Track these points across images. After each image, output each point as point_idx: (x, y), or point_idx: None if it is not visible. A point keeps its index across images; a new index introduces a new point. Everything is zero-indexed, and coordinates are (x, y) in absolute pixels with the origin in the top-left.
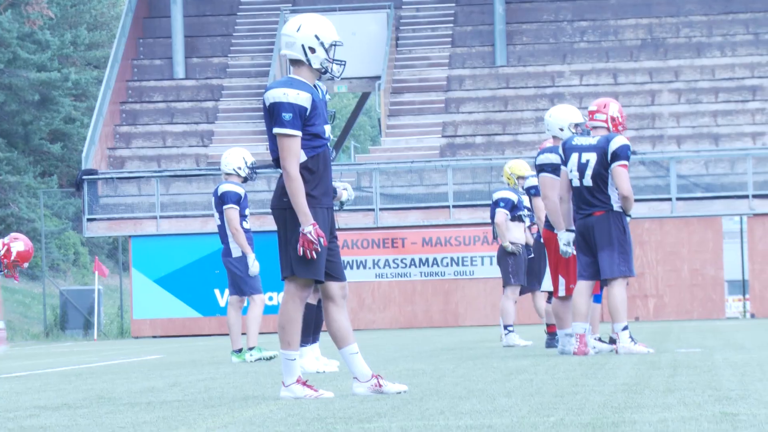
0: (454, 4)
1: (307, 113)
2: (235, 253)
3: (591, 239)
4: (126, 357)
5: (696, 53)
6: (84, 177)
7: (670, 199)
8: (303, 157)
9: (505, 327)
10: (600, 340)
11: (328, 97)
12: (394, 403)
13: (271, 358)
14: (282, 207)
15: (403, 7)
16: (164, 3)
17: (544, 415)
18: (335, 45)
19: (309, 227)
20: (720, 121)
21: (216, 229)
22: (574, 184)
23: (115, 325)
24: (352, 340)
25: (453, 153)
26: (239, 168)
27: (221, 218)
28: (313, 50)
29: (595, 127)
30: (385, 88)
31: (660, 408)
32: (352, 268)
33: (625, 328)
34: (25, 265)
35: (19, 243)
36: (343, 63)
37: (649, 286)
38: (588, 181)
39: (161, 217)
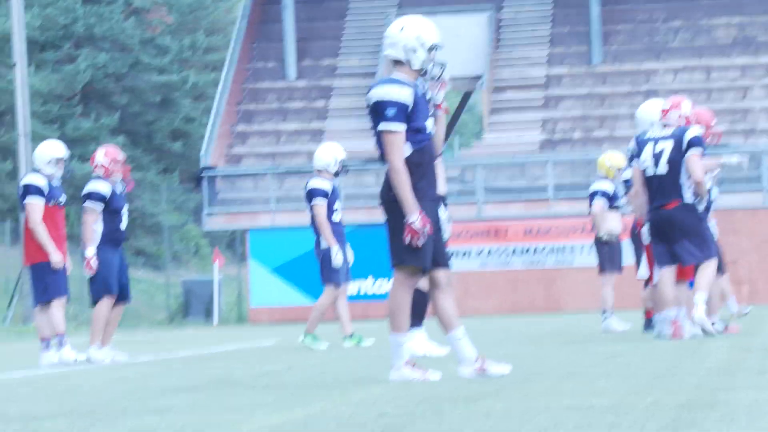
0: (552, 6)
1: (409, 109)
2: (324, 245)
3: (667, 229)
4: (244, 342)
5: None
6: (203, 173)
7: (761, 190)
8: (408, 151)
9: (603, 312)
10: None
11: (441, 95)
12: (498, 384)
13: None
14: (390, 199)
15: (503, 9)
16: (276, 9)
17: (641, 396)
18: (436, 47)
19: (415, 217)
20: None
21: None
22: (648, 174)
23: (233, 313)
24: (457, 324)
25: (552, 148)
26: (329, 164)
27: (311, 212)
28: (414, 51)
29: (667, 125)
30: (487, 87)
31: (753, 389)
32: (456, 257)
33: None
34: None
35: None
36: (444, 65)
37: (742, 273)
38: (663, 169)
39: (276, 210)
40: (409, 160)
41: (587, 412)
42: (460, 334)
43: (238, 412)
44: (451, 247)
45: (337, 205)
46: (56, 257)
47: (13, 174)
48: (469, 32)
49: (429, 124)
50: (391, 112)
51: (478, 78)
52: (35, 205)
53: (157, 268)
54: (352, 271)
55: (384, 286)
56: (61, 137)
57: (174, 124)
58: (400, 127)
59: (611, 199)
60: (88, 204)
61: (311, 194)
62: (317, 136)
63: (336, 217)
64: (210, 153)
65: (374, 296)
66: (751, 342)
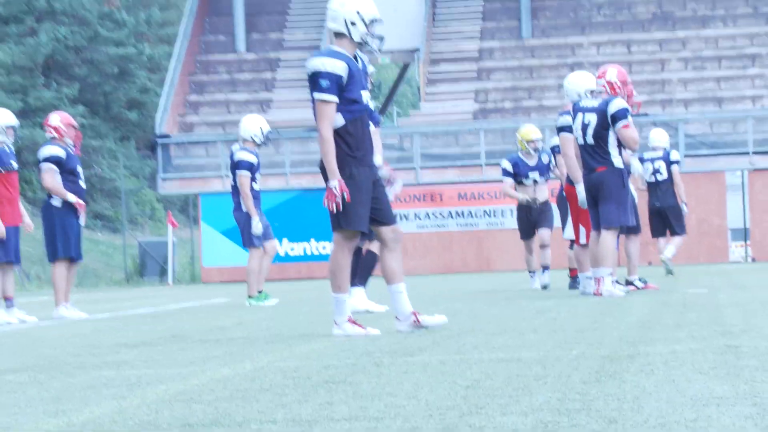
0: None
1: (344, 81)
2: (243, 210)
3: (595, 193)
4: (197, 301)
5: (701, 25)
6: (158, 141)
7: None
8: (342, 121)
9: (529, 272)
10: (617, 282)
11: (370, 68)
12: (434, 339)
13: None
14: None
15: None
16: None
17: (567, 349)
18: (375, 21)
19: (334, 182)
20: (723, 86)
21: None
22: (579, 143)
23: (187, 273)
24: (398, 279)
25: (485, 117)
26: (255, 135)
27: (234, 180)
28: (354, 24)
29: (598, 92)
30: (423, 60)
31: (670, 341)
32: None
33: (610, 273)
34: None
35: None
36: (382, 38)
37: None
38: (590, 140)
39: (226, 176)
40: (343, 130)
41: (517, 364)
42: (399, 289)
43: (190, 365)
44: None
45: (258, 175)
46: (0, 227)
47: None
48: (406, 7)
49: (365, 95)
50: (324, 83)
51: (415, 51)
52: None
53: (115, 231)
54: (297, 233)
55: (327, 247)
56: (24, 107)
57: (130, 94)
58: (332, 98)
59: (516, 176)
60: (44, 165)
61: (237, 165)
62: (265, 105)
63: (256, 186)
64: (164, 122)
65: (317, 257)
66: (668, 298)
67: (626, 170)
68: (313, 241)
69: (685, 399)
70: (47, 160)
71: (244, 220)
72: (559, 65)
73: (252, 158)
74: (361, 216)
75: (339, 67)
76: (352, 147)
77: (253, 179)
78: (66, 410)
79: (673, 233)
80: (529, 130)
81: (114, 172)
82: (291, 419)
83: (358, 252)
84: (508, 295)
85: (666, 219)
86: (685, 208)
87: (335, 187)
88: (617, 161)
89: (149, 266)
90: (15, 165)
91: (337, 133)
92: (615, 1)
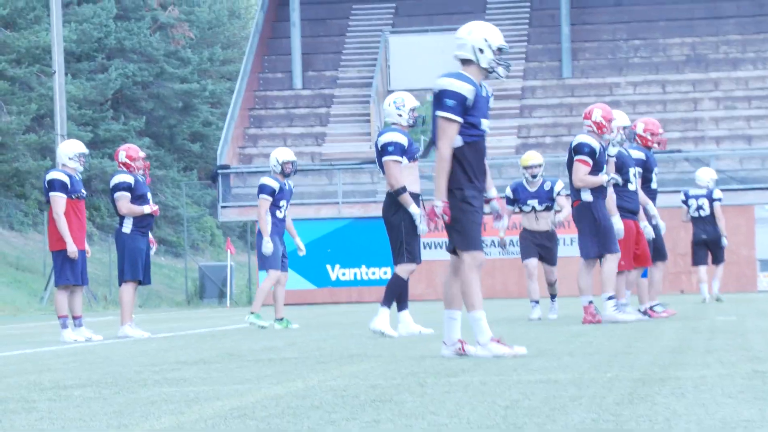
0: (527, 26)
1: (469, 103)
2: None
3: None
4: None
5: (732, 67)
6: (219, 171)
7: None
8: (460, 143)
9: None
10: (644, 312)
11: (492, 99)
12: (475, 361)
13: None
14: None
15: None
16: (285, 26)
17: (602, 372)
18: (502, 48)
19: (438, 201)
20: (753, 125)
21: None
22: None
23: (244, 295)
24: (457, 306)
25: (526, 151)
26: (274, 166)
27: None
28: (482, 51)
29: (588, 132)
30: None
31: (700, 366)
32: (441, 247)
33: (611, 298)
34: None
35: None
36: (509, 65)
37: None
38: (569, 174)
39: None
40: (460, 151)
41: (553, 386)
42: (456, 316)
43: (245, 383)
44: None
45: (282, 203)
46: (72, 248)
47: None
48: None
49: (485, 123)
50: (450, 102)
51: None
52: (58, 198)
53: (177, 255)
54: (348, 260)
55: (377, 273)
56: (94, 138)
57: (193, 127)
58: (456, 117)
59: (516, 200)
60: (117, 194)
61: (258, 190)
62: (319, 139)
63: (280, 213)
64: (225, 153)
65: (367, 281)
66: (699, 324)
67: (599, 202)
68: (363, 267)
69: (714, 421)
70: (118, 187)
71: (259, 244)
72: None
73: (272, 183)
74: (479, 236)
75: (466, 89)
76: (467, 170)
77: (277, 206)
78: (128, 424)
79: (715, 261)
80: (528, 156)
81: (177, 200)
82: None
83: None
84: (545, 320)
85: (710, 249)
86: (725, 241)
87: (438, 207)
88: (585, 195)
89: (209, 289)
90: (84, 192)
91: (455, 154)
92: (651, 44)
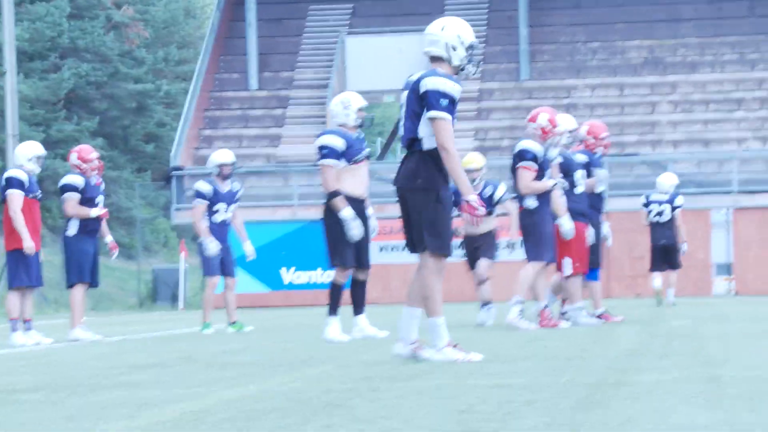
0: (485, 27)
1: (455, 102)
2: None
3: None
4: None
5: (690, 70)
6: (173, 173)
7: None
8: (435, 143)
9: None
10: (599, 316)
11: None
12: (431, 365)
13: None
14: (414, 188)
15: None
16: (241, 26)
17: (557, 376)
18: (473, 46)
19: (473, 196)
20: (710, 128)
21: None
22: None
23: (197, 298)
24: (419, 304)
25: (484, 153)
26: (212, 168)
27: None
28: (455, 49)
29: (532, 136)
30: None
31: (656, 371)
32: (396, 251)
33: (520, 302)
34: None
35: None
36: (479, 63)
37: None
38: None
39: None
40: (436, 152)
41: (508, 390)
42: (418, 314)
43: (198, 387)
44: (388, 241)
45: (219, 206)
46: (29, 243)
47: (3, 171)
48: (411, 49)
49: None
50: (444, 102)
51: None
52: (16, 196)
53: (130, 257)
54: (304, 262)
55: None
56: (46, 139)
57: (147, 128)
58: (449, 117)
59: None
60: (65, 194)
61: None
62: (275, 140)
63: (218, 217)
64: (179, 154)
65: (322, 285)
66: (656, 329)
67: (543, 209)
68: (319, 269)
69: (667, 427)
70: (65, 188)
71: (200, 250)
72: (555, 106)
73: (205, 187)
74: (450, 240)
75: (456, 90)
76: (443, 170)
77: (213, 210)
78: (79, 428)
79: (672, 267)
80: (469, 159)
81: (130, 201)
82: None
83: (355, 282)
84: (502, 324)
85: (668, 254)
86: (685, 247)
87: (475, 201)
88: (529, 202)
89: (162, 292)
90: (40, 193)
91: (431, 153)
92: (609, 46)
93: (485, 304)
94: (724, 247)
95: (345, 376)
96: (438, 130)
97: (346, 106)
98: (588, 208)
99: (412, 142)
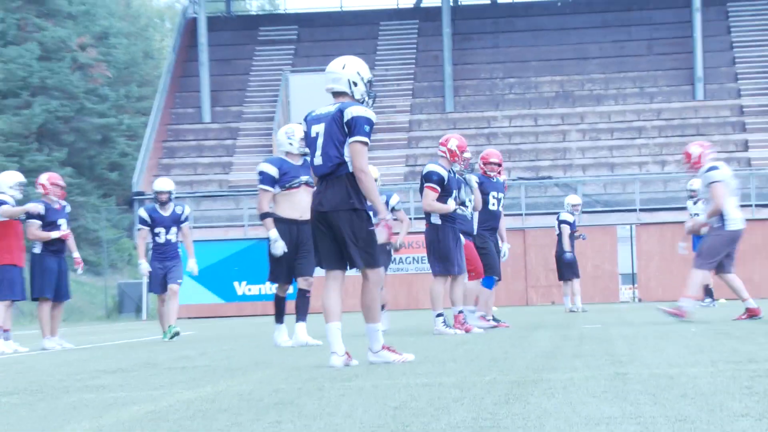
0: (414, 66)
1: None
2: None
3: None
4: None
5: (596, 102)
6: (135, 197)
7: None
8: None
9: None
10: (492, 319)
11: None
12: (368, 367)
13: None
14: (348, 208)
15: (375, 67)
16: (194, 65)
17: (481, 375)
18: (371, 81)
19: (389, 215)
20: (615, 154)
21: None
22: None
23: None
24: (339, 318)
25: (414, 178)
26: (156, 194)
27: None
28: (356, 84)
29: (441, 157)
30: None
31: (569, 369)
32: None
33: (440, 315)
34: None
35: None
36: (375, 97)
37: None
38: None
39: (194, 227)
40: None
41: (438, 388)
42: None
43: (159, 389)
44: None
45: (159, 230)
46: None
47: None
48: None
49: None
50: (367, 128)
51: None
52: (5, 218)
53: (98, 274)
54: (254, 277)
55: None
56: (20, 168)
57: (111, 158)
58: (368, 142)
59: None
60: (28, 221)
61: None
62: (227, 167)
63: (159, 239)
64: (141, 181)
65: (272, 296)
66: (569, 332)
67: (446, 226)
68: (268, 283)
69: (580, 419)
70: (28, 215)
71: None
72: (477, 134)
73: (143, 214)
74: (378, 254)
75: (374, 118)
76: (360, 193)
77: (155, 233)
78: (50, 428)
79: (575, 277)
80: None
81: (97, 224)
82: None
83: (302, 292)
84: (431, 330)
85: (571, 265)
86: (568, 256)
87: (391, 221)
88: (434, 219)
89: (126, 304)
90: (24, 216)
91: (354, 177)
92: (524, 82)
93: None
94: (629, 259)
95: (293, 378)
96: (359, 154)
97: (289, 136)
98: (497, 223)
99: (338, 167)
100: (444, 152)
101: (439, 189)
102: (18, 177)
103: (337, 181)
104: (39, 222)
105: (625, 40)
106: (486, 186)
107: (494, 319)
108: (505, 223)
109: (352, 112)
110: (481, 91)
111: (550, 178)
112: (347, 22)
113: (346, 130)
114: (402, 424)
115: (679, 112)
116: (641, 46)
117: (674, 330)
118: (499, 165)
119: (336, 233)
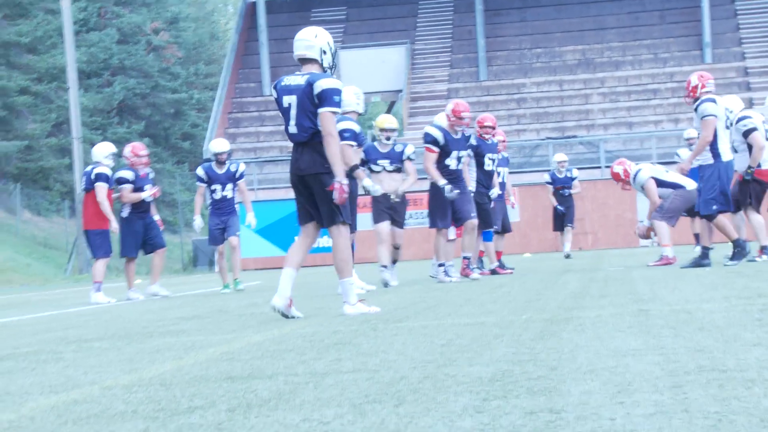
0: (451, 40)
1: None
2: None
3: None
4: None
5: (615, 68)
6: (205, 164)
7: (600, 167)
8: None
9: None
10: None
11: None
12: (416, 309)
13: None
14: (323, 171)
15: (416, 42)
16: (255, 45)
17: (518, 315)
18: (336, 52)
19: (345, 179)
20: (632, 113)
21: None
22: None
23: (230, 263)
24: (296, 267)
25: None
26: (213, 156)
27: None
28: (325, 53)
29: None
30: (405, 98)
31: (597, 308)
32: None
33: (441, 264)
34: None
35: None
36: (334, 67)
37: (588, 227)
38: None
39: (258, 188)
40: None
41: (480, 327)
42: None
43: (232, 333)
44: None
45: (216, 187)
46: (115, 225)
47: (70, 167)
48: (392, 59)
49: None
50: (337, 98)
51: (399, 92)
52: (102, 188)
53: (174, 232)
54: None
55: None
56: (103, 140)
57: (184, 128)
58: (338, 111)
59: (367, 160)
60: (120, 187)
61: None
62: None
63: (215, 196)
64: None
65: (327, 249)
66: (595, 275)
67: (442, 185)
68: (326, 237)
69: (608, 351)
70: (120, 181)
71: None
72: (508, 100)
73: (200, 172)
74: (352, 211)
75: (340, 86)
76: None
77: (212, 189)
78: (137, 368)
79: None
80: (385, 119)
81: (173, 188)
82: (309, 372)
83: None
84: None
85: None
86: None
87: (346, 185)
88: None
89: (200, 259)
90: (114, 185)
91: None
92: (549, 51)
93: (393, 263)
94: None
95: (350, 321)
96: (329, 121)
97: (358, 96)
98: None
99: (312, 136)
100: (447, 116)
101: (435, 149)
102: (111, 148)
103: (312, 147)
104: (131, 185)
105: (639, 11)
106: (482, 148)
107: (500, 266)
108: (508, 178)
109: (321, 85)
110: (511, 61)
111: (575, 137)
112: (391, 2)
113: (317, 101)
114: (449, 359)
115: (690, 75)
116: (654, 16)
117: (689, 271)
118: (493, 128)
119: (310, 193)
